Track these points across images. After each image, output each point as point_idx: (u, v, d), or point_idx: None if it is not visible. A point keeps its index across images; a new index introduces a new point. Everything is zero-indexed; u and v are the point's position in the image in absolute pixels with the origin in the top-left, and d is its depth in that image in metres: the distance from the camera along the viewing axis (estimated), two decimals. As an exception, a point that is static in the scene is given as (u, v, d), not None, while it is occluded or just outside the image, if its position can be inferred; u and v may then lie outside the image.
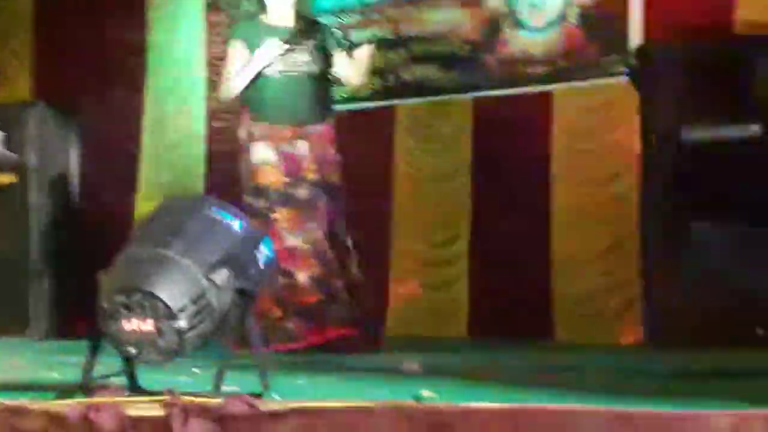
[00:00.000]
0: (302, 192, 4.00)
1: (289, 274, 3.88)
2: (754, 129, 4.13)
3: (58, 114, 5.53)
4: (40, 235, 5.35)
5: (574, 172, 5.01)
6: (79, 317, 5.36)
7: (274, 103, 4.04)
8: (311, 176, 4.03)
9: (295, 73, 4.02)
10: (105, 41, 5.91)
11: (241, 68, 4.03)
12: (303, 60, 4.02)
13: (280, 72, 3.99)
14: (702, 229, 4.13)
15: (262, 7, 4.13)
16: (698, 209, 4.12)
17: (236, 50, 4.09)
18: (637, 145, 4.55)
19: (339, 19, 5.44)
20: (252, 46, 4.01)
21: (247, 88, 4.03)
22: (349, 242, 4.09)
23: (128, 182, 5.88)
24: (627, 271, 4.74)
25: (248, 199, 4.02)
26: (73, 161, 5.60)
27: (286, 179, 4.00)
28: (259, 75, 4.00)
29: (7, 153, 5.26)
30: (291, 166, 4.01)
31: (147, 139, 5.96)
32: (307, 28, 4.12)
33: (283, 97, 4.03)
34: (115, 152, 5.86)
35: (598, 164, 4.97)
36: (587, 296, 4.92)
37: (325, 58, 4.10)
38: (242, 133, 4.12)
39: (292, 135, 4.03)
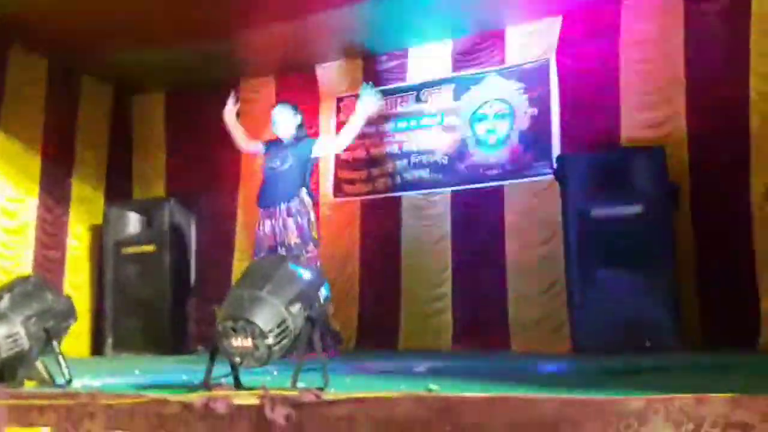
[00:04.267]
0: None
1: None
2: (636, 208, 4.12)
3: (183, 205, 5.55)
4: (171, 284, 5.30)
5: (520, 238, 4.97)
6: (198, 339, 5.33)
7: None
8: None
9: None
10: (213, 158, 5.91)
11: None
12: None
13: None
14: (604, 274, 4.07)
15: None
16: (601, 261, 4.07)
17: None
18: (559, 219, 4.54)
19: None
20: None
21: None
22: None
23: (228, 249, 5.82)
24: (558, 303, 4.67)
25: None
26: (192, 236, 5.58)
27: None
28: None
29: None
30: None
31: (239, 221, 5.91)
32: None
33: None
34: (220, 231, 5.84)
35: (535, 232, 4.92)
36: (531, 320, 4.82)
37: None
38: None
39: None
